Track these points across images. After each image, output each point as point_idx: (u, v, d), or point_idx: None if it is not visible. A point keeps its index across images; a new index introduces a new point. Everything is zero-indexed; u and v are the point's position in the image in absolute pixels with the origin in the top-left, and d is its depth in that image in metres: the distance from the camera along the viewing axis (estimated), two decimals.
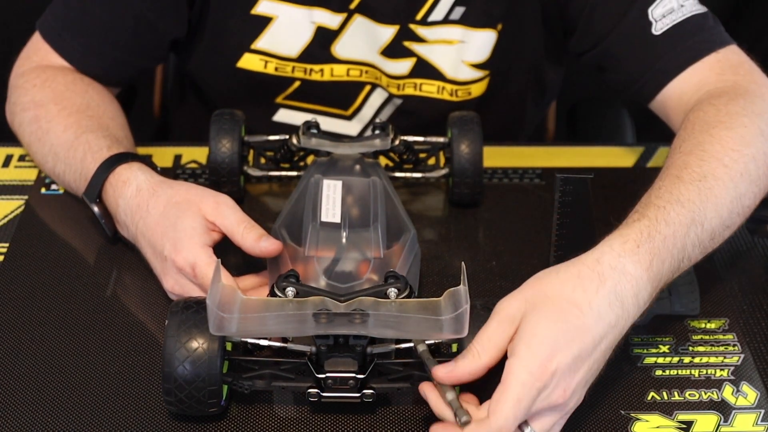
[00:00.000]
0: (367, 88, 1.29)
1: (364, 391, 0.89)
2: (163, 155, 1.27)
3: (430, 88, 1.28)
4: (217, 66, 1.29)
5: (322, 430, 0.91)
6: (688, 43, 1.16)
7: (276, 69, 1.26)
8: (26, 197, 1.19)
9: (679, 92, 1.16)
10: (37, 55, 1.23)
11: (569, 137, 1.64)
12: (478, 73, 1.27)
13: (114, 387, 0.95)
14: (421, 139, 1.18)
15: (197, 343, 0.86)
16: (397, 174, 1.18)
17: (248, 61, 1.26)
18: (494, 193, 1.22)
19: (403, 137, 1.16)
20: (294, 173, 1.17)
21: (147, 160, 1.09)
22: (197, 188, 1.04)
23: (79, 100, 1.17)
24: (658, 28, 1.17)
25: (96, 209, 1.08)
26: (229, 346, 0.90)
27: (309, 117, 1.30)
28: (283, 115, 1.32)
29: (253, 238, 0.99)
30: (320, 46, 1.25)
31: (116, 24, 1.21)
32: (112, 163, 1.07)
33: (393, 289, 0.91)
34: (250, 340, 0.90)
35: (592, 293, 0.86)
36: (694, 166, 0.99)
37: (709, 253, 0.98)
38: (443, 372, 0.85)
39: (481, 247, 1.15)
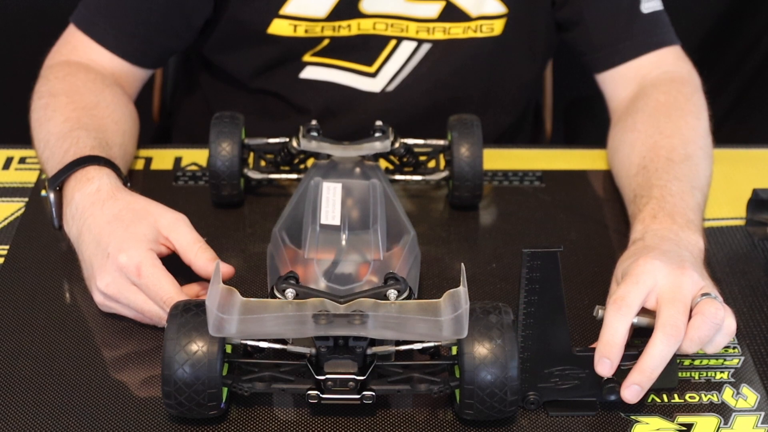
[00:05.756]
0: (393, 42, 1.31)
1: (364, 392, 0.89)
2: (164, 157, 1.27)
3: (456, 31, 1.30)
4: (245, 36, 1.31)
5: None
6: (663, 29, 1.30)
7: (306, 31, 1.29)
8: (26, 199, 1.19)
9: (635, 70, 1.29)
10: (66, 47, 1.26)
11: (567, 138, 1.64)
12: (500, 8, 1.30)
13: (114, 389, 0.94)
14: (421, 141, 1.18)
15: (197, 346, 0.86)
16: (397, 177, 1.18)
17: (278, 27, 1.28)
18: (494, 195, 1.22)
19: (402, 140, 1.16)
20: (294, 176, 1.17)
21: (120, 172, 1.09)
22: (158, 204, 1.04)
23: (91, 98, 1.19)
24: (646, 8, 1.29)
25: (52, 196, 1.07)
26: (228, 349, 0.90)
27: (335, 74, 1.33)
28: (309, 72, 1.34)
29: (207, 258, 1.00)
30: (348, 3, 1.27)
31: (147, 6, 1.25)
32: (86, 160, 1.07)
33: (393, 290, 0.91)
34: (250, 342, 0.90)
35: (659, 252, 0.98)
36: (679, 149, 1.15)
37: None
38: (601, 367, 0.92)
39: (481, 249, 1.15)
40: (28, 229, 1.14)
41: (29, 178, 1.23)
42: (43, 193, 1.19)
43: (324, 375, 0.88)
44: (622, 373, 0.92)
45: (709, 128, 1.22)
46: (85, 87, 1.20)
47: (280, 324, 0.87)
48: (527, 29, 1.34)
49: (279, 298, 0.90)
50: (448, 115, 1.24)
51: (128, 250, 0.98)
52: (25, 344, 0.99)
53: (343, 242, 0.99)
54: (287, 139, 1.15)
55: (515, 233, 1.16)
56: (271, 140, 1.17)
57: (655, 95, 1.24)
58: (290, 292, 0.90)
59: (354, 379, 0.88)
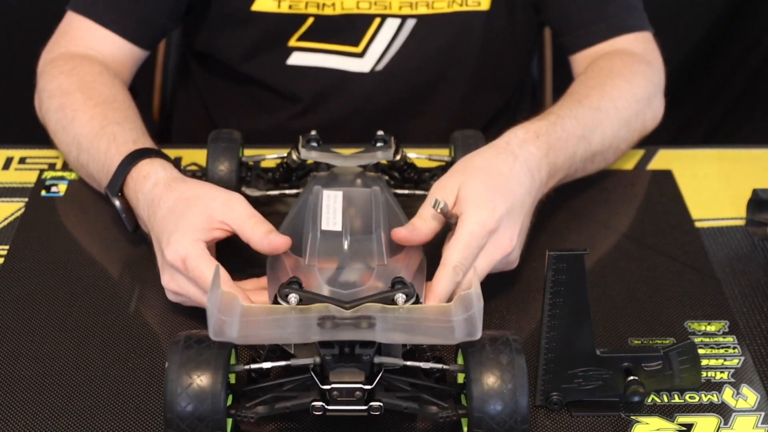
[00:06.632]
0: (377, 20, 1.31)
1: (372, 403, 0.84)
2: None
3: (441, 5, 1.31)
4: (231, 15, 1.31)
5: None
6: (635, 14, 1.30)
7: (290, 7, 1.29)
8: (26, 200, 1.19)
9: (604, 51, 1.29)
10: (65, 38, 1.25)
11: None
12: None
13: (114, 390, 0.94)
14: (424, 156, 1.16)
15: (199, 386, 0.82)
16: (399, 191, 1.13)
17: (262, 3, 1.29)
18: None
19: (405, 151, 1.13)
20: (293, 191, 1.12)
21: (169, 158, 1.09)
22: (211, 186, 1.03)
23: (106, 92, 1.18)
24: None
25: (117, 203, 1.07)
26: (232, 379, 0.87)
27: (322, 58, 1.33)
28: (297, 58, 1.35)
29: (262, 232, 0.97)
30: None
31: None
32: (135, 157, 1.07)
33: (401, 294, 0.87)
34: (253, 366, 0.87)
35: (511, 165, 1.03)
36: (594, 99, 1.17)
37: (584, 176, 1.18)
38: (403, 233, 0.97)
39: None
40: (28, 229, 1.14)
41: (29, 178, 1.23)
42: (44, 193, 1.20)
43: (329, 384, 0.83)
44: (643, 373, 0.92)
45: (647, 97, 1.22)
46: (95, 81, 1.19)
47: (283, 328, 0.83)
48: (511, 6, 1.34)
49: (282, 305, 0.87)
50: (439, 94, 1.23)
51: (173, 245, 0.97)
52: (25, 345, 0.99)
53: (345, 248, 0.96)
54: (285, 154, 1.12)
55: None
56: (270, 155, 1.15)
57: (599, 62, 1.26)
58: (293, 297, 0.86)
59: (361, 388, 0.83)
